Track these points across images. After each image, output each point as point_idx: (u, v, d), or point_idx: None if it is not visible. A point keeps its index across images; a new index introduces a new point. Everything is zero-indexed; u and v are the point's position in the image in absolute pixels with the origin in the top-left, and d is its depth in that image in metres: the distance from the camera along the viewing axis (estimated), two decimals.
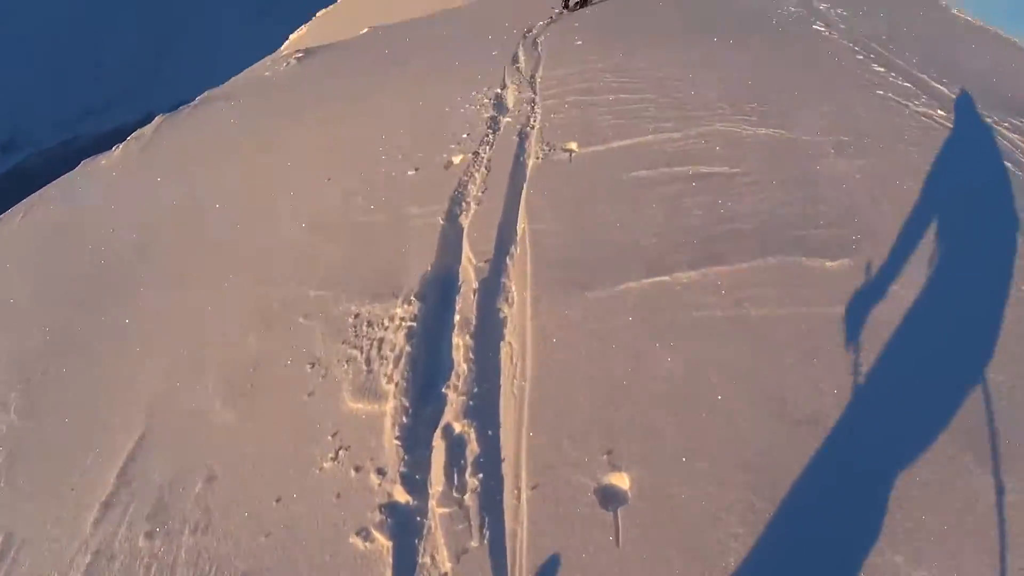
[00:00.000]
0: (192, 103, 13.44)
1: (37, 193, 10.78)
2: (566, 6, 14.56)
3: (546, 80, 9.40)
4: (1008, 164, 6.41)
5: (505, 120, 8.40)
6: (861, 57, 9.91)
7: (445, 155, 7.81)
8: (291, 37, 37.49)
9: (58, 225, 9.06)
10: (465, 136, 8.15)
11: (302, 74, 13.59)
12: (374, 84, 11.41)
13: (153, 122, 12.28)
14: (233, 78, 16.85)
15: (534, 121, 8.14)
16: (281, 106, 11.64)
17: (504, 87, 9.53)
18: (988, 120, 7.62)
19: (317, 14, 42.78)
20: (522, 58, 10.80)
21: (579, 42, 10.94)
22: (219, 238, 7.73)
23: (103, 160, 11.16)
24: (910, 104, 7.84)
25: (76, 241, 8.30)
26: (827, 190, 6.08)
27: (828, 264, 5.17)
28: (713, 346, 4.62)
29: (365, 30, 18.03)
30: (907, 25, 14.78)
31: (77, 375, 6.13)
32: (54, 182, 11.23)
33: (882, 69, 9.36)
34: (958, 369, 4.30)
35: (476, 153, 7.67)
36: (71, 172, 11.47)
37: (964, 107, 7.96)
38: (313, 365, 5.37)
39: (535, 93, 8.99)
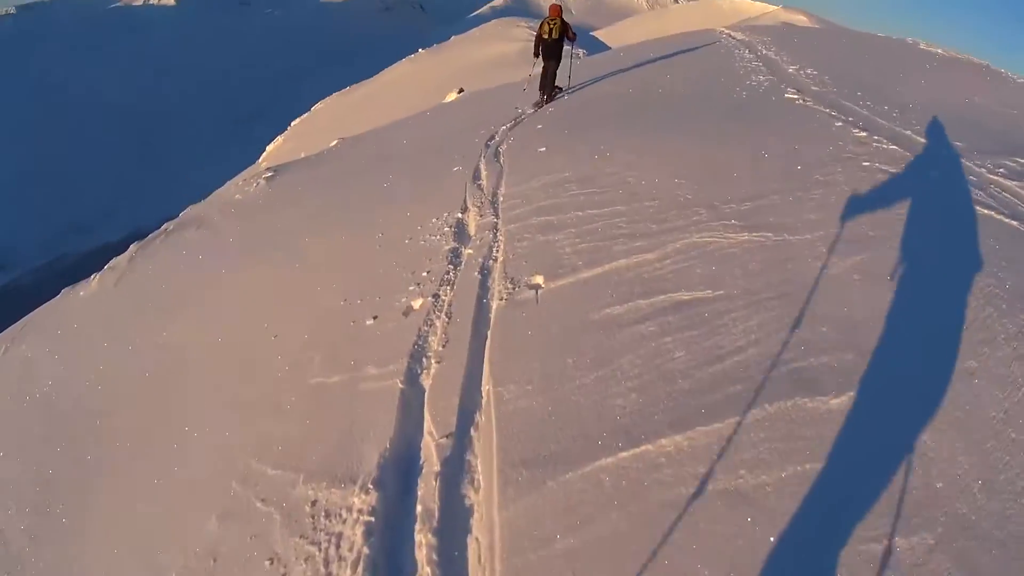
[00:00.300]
0: (166, 229, 13.95)
1: (19, 324, 11.68)
2: (542, 102, 14.51)
3: (509, 198, 8.82)
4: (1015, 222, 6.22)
5: (467, 252, 7.78)
6: (840, 123, 9.66)
7: (405, 299, 7.17)
8: (268, 148, 41.32)
9: (28, 365, 9.85)
10: (425, 274, 7.52)
11: (269, 197, 13.65)
12: (336, 212, 11.20)
13: (128, 251, 12.88)
14: (210, 197, 18.30)
15: (497, 252, 7.49)
16: (246, 238, 11.65)
17: (465, 210, 8.97)
18: (983, 169, 7.62)
19: (292, 123, 45.70)
20: (484, 172, 10.27)
21: (543, 148, 10.45)
22: (179, 401, 7.54)
23: (81, 291, 11.84)
24: (899, 172, 7.47)
25: (42, 392, 8.97)
26: (823, 303, 5.36)
27: (832, 403, 4.41)
28: (707, 533, 3.83)
29: (334, 142, 18.65)
30: (879, 72, 14.46)
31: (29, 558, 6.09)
32: (35, 313, 12.05)
33: (863, 134, 9.02)
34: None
35: (437, 296, 7.00)
36: (52, 302, 12.24)
37: (953, 159, 7.82)
38: (272, 561, 4.81)
39: (497, 216, 8.38)
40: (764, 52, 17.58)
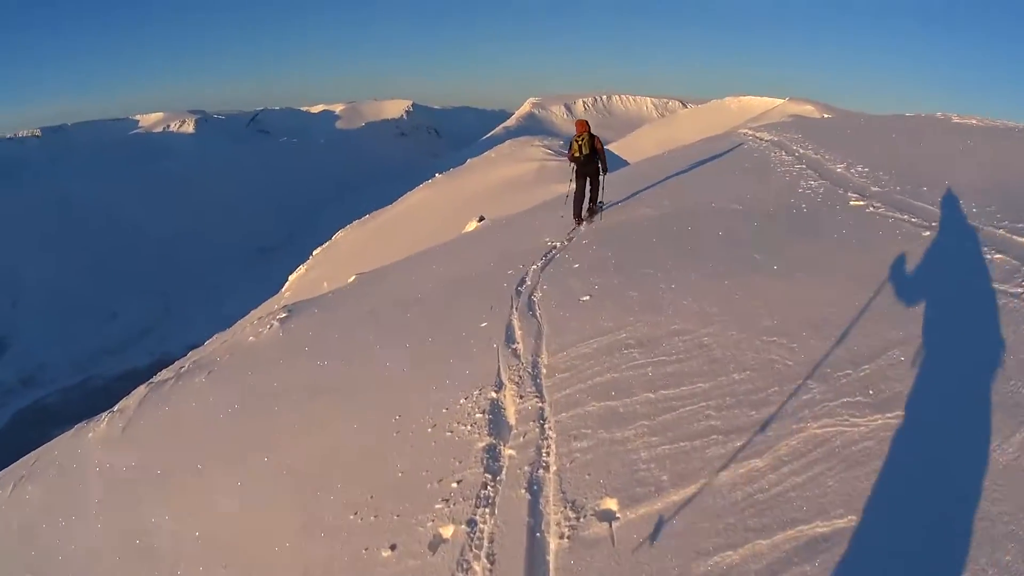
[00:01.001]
0: (180, 369, 13.40)
1: (32, 457, 11.74)
2: (579, 222, 13.66)
3: (554, 371, 7.01)
4: None
5: (507, 452, 5.91)
6: (927, 232, 8.59)
7: (431, 522, 5.33)
8: (291, 277, 42.43)
9: (27, 518, 9.47)
10: (455, 485, 5.67)
11: (280, 346, 12.28)
12: (349, 377, 9.59)
13: (136, 392, 12.36)
14: (230, 330, 16.69)
15: (548, 455, 5.62)
16: (249, 400, 10.11)
17: (500, 386, 7.16)
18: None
19: (314, 252, 45.40)
20: (518, 331, 8.52)
21: (586, 297, 8.76)
22: None
23: (91, 432, 11.24)
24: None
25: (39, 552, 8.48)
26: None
27: None
28: None
29: (352, 278, 17.89)
30: (931, 158, 13.13)
31: None
32: (48, 448, 11.94)
33: (954, 242, 8.07)
34: None
35: (472, 522, 5.14)
36: (66, 438, 12.04)
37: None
38: None
39: (543, 398, 6.54)
40: (801, 151, 16.17)
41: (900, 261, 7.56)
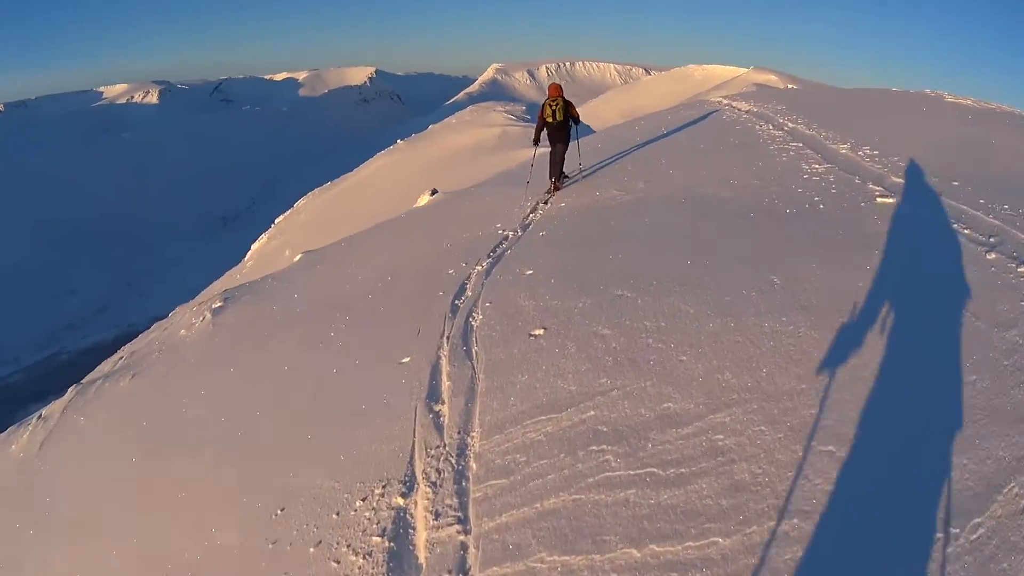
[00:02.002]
0: (106, 371, 12.40)
1: None
2: (551, 190, 12.56)
3: (487, 468, 4.72)
4: None
5: None
6: (989, 253, 6.37)
7: None
8: (253, 247, 41.67)
9: None
10: None
11: (206, 348, 10.93)
12: (246, 431, 7.41)
13: (66, 395, 11.49)
14: (168, 318, 14.84)
15: None
16: (157, 440, 8.38)
17: (411, 486, 4.86)
18: None
19: (276, 220, 46.05)
20: (445, 383, 6.13)
21: (538, 331, 6.39)
22: None
23: (13, 444, 10.61)
24: None
25: None
26: None
27: None
28: None
29: (297, 257, 16.65)
30: (949, 147, 11.07)
31: None
32: None
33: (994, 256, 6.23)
34: None
35: None
36: None
37: None
38: None
39: (465, 527, 4.25)
40: (791, 126, 13.82)
41: (971, 292, 5.40)
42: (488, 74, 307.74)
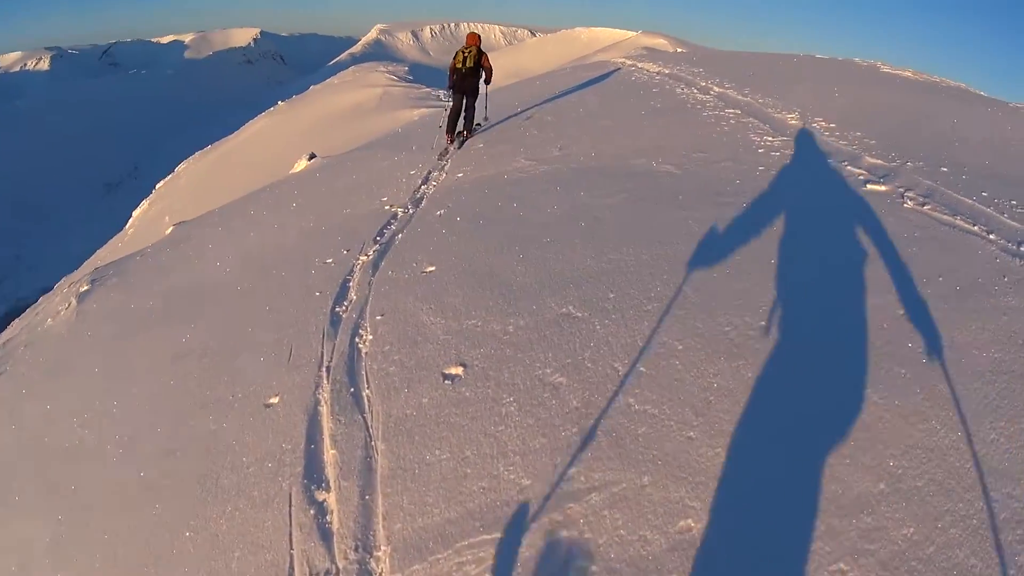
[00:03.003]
0: None
1: None
2: (448, 148, 11.57)
3: None
4: None
5: None
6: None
7: None
8: (135, 213, 40.23)
9: None
10: None
11: (65, 345, 9.03)
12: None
13: None
14: (30, 312, 13.40)
15: None
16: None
17: None
18: None
19: (157, 186, 44.48)
20: (328, 453, 4.21)
21: (455, 370, 4.54)
22: None
23: None
24: None
25: None
26: None
27: None
28: None
29: (169, 229, 15.05)
30: (918, 121, 9.34)
31: None
32: None
33: None
34: None
35: None
36: None
37: None
38: None
39: None
40: (717, 90, 12.14)
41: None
42: (372, 35, 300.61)
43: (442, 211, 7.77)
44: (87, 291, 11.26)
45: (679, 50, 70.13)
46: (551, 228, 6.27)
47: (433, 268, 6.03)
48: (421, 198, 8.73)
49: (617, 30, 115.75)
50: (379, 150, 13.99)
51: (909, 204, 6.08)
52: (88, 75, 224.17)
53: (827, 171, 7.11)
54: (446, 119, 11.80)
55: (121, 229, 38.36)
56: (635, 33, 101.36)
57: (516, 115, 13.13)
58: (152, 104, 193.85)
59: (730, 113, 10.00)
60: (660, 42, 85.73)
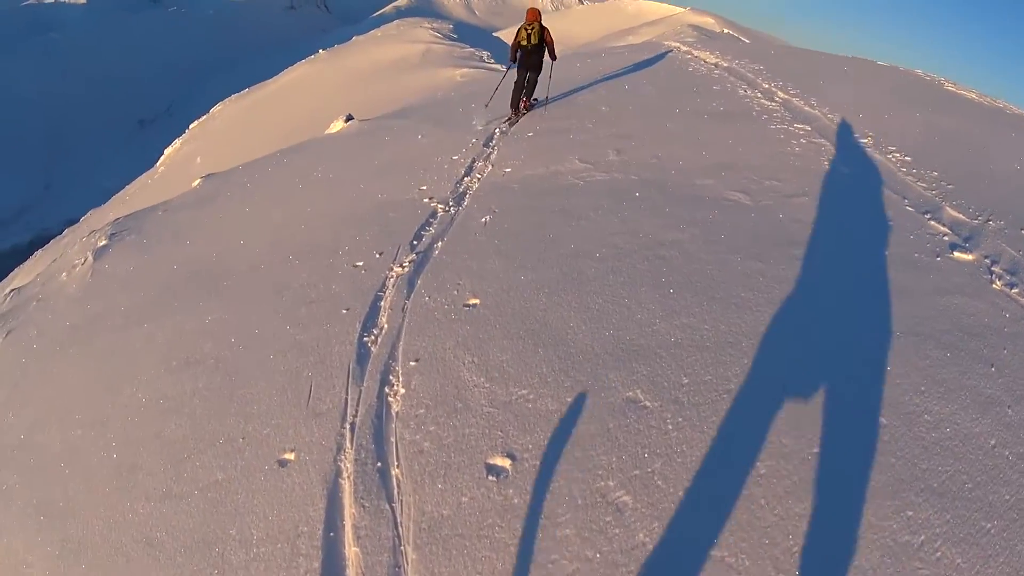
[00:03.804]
0: None
1: None
2: (514, 118, 11.65)
3: None
4: None
5: None
6: None
7: None
8: (167, 151, 38.85)
9: None
10: None
11: (78, 305, 8.49)
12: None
13: None
14: (52, 248, 14.02)
15: None
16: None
17: None
18: None
19: (191, 126, 43.19)
20: (349, 546, 3.57)
21: (503, 462, 3.84)
22: None
23: None
24: None
25: None
26: None
27: None
28: None
29: (196, 182, 14.05)
30: (984, 160, 8.47)
31: None
32: None
33: None
34: None
35: None
36: None
37: None
38: None
39: None
40: (781, 95, 11.37)
41: None
42: None
43: (487, 218, 7.06)
44: (105, 246, 10.82)
45: (726, 31, 68.42)
46: (611, 265, 5.55)
47: (477, 301, 5.35)
48: (464, 193, 8.03)
49: (664, 4, 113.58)
50: (419, 121, 13.26)
51: (998, 284, 5.35)
52: (127, 10, 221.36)
53: (910, 226, 6.32)
54: (510, 93, 11.78)
55: (152, 166, 37.62)
56: (683, 9, 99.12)
57: (568, 95, 12.53)
58: (191, 43, 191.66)
59: (800, 130, 9.16)
60: (708, 20, 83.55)
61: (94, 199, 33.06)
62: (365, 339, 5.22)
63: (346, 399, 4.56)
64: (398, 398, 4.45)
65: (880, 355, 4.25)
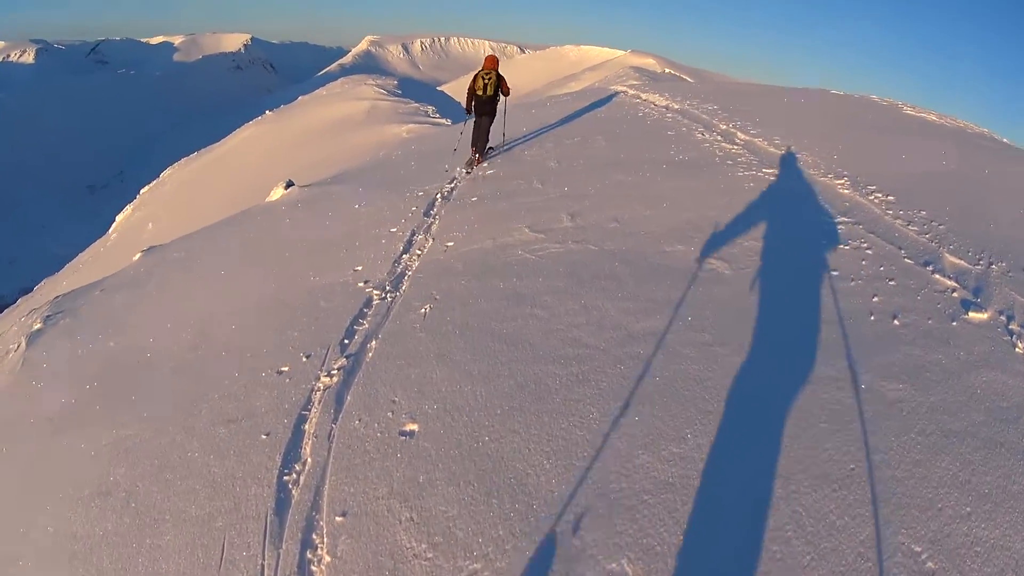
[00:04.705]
0: None
1: None
2: (474, 160, 11.48)
3: None
4: None
5: None
6: None
7: None
8: (118, 218, 37.65)
9: None
10: None
11: (5, 409, 7.43)
12: None
13: None
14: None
15: None
16: None
17: None
18: None
19: (141, 191, 41.42)
20: None
21: None
22: None
23: None
24: None
25: None
26: None
27: None
28: None
29: (137, 256, 13.21)
30: (985, 198, 7.74)
31: None
32: None
33: None
34: None
35: None
36: None
37: None
38: None
39: None
40: (742, 136, 10.56)
41: None
42: (362, 46, 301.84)
43: (427, 307, 6.03)
44: (39, 331, 10.12)
45: (667, 71, 69.06)
46: (576, 371, 4.51)
47: (415, 427, 4.29)
48: (402, 275, 7.00)
49: (605, 48, 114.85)
50: (359, 185, 12.35)
51: (1020, 348, 4.51)
52: (74, 71, 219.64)
53: (915, 285, 5.47)
54: (467, 141, 11.74)
55: (104, 232, 37.00)
56: (624, 52, 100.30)
57: (512, 148, 12.03)
58: (140, 106, 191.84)
59: (769, 175, 8.34)
60: (649, 61, 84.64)
61: (47, 267, 33.36)
62: (285, 478, 4.16)
63: (263, 564, 3.51)
64: (323, 567, 3.41)
65: (915, 472, 3.34)
